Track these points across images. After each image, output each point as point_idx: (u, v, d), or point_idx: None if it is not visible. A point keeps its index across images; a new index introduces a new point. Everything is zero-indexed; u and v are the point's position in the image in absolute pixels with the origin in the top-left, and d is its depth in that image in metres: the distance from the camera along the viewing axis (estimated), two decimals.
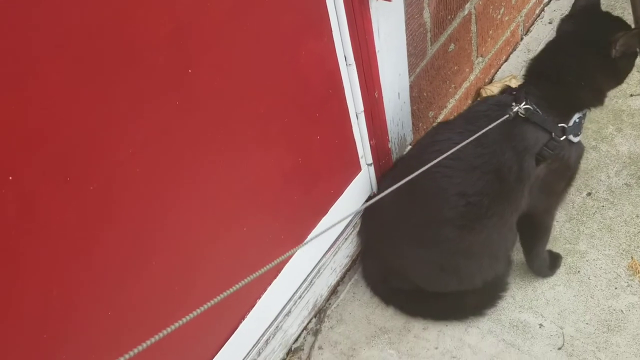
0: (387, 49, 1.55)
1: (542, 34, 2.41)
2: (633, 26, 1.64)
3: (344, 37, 1.40)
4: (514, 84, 2.15)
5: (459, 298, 1.70)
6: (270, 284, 1.53)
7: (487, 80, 2.28)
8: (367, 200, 1.77)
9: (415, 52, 1.75)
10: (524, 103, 1.44)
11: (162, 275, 1.22)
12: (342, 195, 1.66)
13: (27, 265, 0.96)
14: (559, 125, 1.45)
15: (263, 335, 1.57)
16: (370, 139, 1.65)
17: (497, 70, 2.33)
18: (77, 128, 0.95)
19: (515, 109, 1.44)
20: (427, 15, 1.73)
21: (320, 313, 1.79)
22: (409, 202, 1.57)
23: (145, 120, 1.04)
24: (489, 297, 1.71)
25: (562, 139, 1.45)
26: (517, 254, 1.77)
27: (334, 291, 1.83)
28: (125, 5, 0.94)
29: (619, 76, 1.53)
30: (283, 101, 1.34)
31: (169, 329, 0.78)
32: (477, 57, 2.13)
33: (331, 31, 1.38)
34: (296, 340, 1.74)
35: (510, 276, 1.74)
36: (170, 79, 1.06)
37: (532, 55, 1.58)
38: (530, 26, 2.45)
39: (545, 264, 1.74)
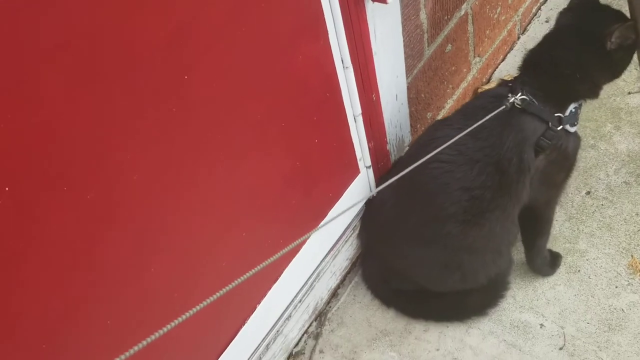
0: (384, 51, 1.54)
1: (539, 32, 2.40)
2: None
3: (341, 39, 1.40)
4: None
5: (460, 298, 1.69)
6: (270, 289, 1.53)
7: (484, 80, 2.28)
8: (366, 202, 1.77)
9: (412, 53, 1.74)
10: (519, 94, 1.45)
11: (161, 282, 1.21)
12: (341, 198, 1.65)
13: (25, 276, 0.96)
14: (556, 115, 1.46)
15: (264, 340, 1.57)
16: (368, 142, 1.65)
17: (495, 70, 2.33)
18: (73, 136, 0.94)
19: (512, 99, 1.44)
20: (423, 16, 1.73)
21: (320, 316, 1.78)
22: (410, 201, 1.57)
23: (141, 127, 1.04)
24: (490, 297, 1.71)
25: (559, 128, 1.46)
26: (518, 254, 1.77)
27: (334, 294, 1.83)
28: (119, 12, 0.94)
29: (615, 69, 1.53)
30: (280, 105, 1.33)
31: (167, 327, 0.77)
32: (474, 57, 2.13)
33: (327, 34, 1.37)
34: (297, 344, 1.73)
35: (511, 276, 1.73)
36: (166, 85, 1.05)
37: (525, 53, 1.58)
38: (527, 25, 2.45)
39: (546, 262, 1.73)
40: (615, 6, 1.53)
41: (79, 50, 0.90)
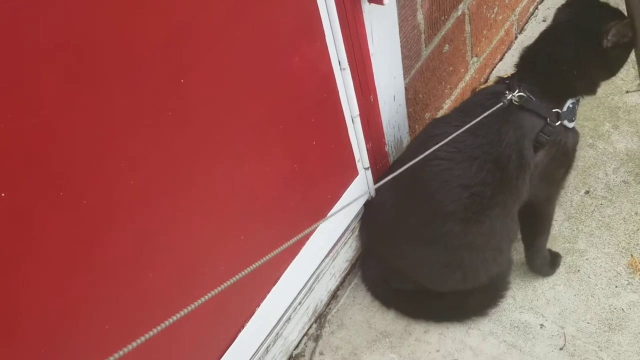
0: (381, 52, 1.54)
1: (536, 32, 2.35)
2: None
3: (338, 41, 1.40)
4: None
5: (461, 298, 1.69)
6: (269, 291, 1.52)
7: (482, 80, 2.27)
8: (366, 203, 1.77)
9: (409, 54, 1.74)
10: (517, 90, 1.45)
11: (159, 286, 1.21)
12: (340, 200, 1.65)
13: (22, 282, 0.95)
14: (553, 110, 1.46)
15: (263, 343, 1.56)
16: (366, 143, 1.65)
17: (493, 70, 2.33)
18: (68, 141, 0.94)
19: (509, 96, 1.44)
20: (420, 16, 1.72)
21: (320, 318, 1.78)
22: (410, 200, 1.56)
23: (138, 131, 1.04)
24: (490, 297, 1.70)
25: (557, 124, 1.46)
26: (517, 255, 1.76)
27: (334, 296, 1.82)
28: (116, 17, 0.93)
29: (611, 67, 1.53)
30: (278, 108, 1.33)
31: (165, 324, 0.77)
32: (472, 57, 2.12)
33: (324, 36, 1.37)
34: (297, 346, 1.73)
35: (511, 276, 1.73)
36: (162, 89, 1.05)
37: (522, 49, 1.58)
38: (525, 25, 2.45)
39: (545, 262, 1.73)
40: (612, 4, 1.53)
41: (76, 54, 0.90)
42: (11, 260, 0.92)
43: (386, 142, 1.74)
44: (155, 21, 1.00)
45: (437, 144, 1.37)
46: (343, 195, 1.66)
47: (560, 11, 1.57)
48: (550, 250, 1.75)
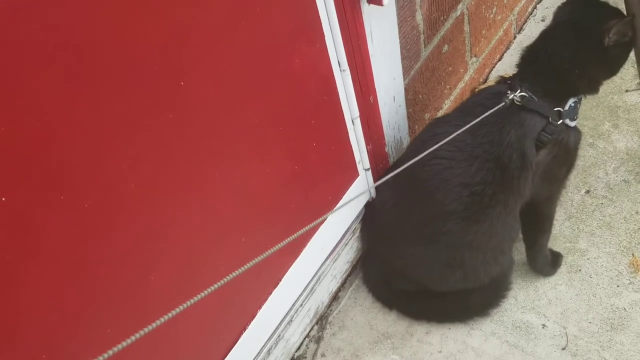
0: (380, 53, 1.54)
1: (535, 31, 2.38)
2: None
3: (337, 43, 1.39)
4: None
5: (462, 298, 1.69)
6: (271, 293, 1.52)
7: (481, 80, 2.27)
8: (366, 203, 1.76)
9: (409, 54, 1.74)
10: (519, 91, 1.44)
11: (160, 290, 1.20)
12: (340, 201, 1.64)
13: (23, 286, 0.95)
14: (555, 109, 1.46)
15: (265, 345, 1.56)
16: (366, 144, 1.64)
17: (492, 70, 2.33)
18: (68, 145, 0.93)
19: (511, 96, 1.44)
20: (419, 17, 1.72)
21: (321, 320, 1.78)
22: (410, 200, 1.56)
23: (139, 134, 1.03)
24: (492, 297, 1.70)
25: (559, 122, 1.46)
26: (518, 255, 1.76)
27: (335, 297, 1.82)
28: (115, 18, 0.93)
29: (612, 66, 1.53)
30: (278, 110, 1.33)
31: (162, 319, 0.76)
32: (471, 57, 2.12)
33: (324, 37, 1.36)
34: (298, 348, 1.73)
35: (512, 276, 1.73)
36: (162, 92, 1.05)
37: (523, 49, 1.58)
38: (523, 24, 2.45)
39: (547, 261, 1.73)
40: (611, 3, 1.53)
41: (76, 56, 0.89)
42: (13, 264, 0.91)
43: (386, 142, 1.73)
44: (155, 23, 0.99)
45: (438, 142, 1.37)
46: (343, 197, 1.65)
47: (560, 10, 1.57)
48: (551, 250, 1.75)
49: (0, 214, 0.86)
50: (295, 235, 0.95)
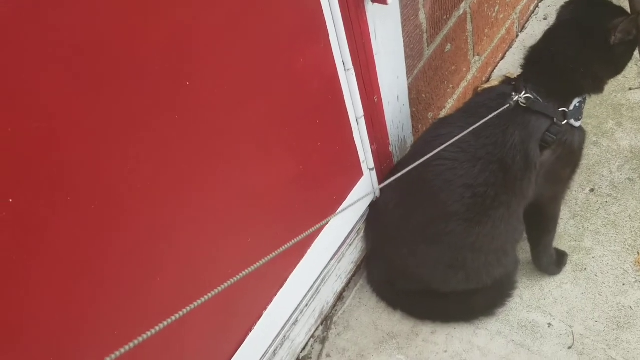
0: (384, 52, 1.54)
1: (537, 30, 2.40)
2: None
3: (342, 42, 1.39)
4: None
5: (467, 298, 1.68)
6: (276, 294, 1.51)
7: (484, 79, 2.27)
8: (370, 203, 1.76)
9: (412, 53, 1.73)
10: (523, 92, 1.44)
11: (166, 290, 1.20)
12: (345, 201, 1.64)
13: (30, 287, 0.95)
14: (560, 109, 1.45)
15: (271, 345, 1.56)
16: (371, 143, 1.64)
17: (494, 69, 2.32)
18: (75, 146, 0.93)
19: (516, 98, 1.43)
20: (422, 16, 1.72)
21: (326, 320, 1.77)
22: (413, 200, 1.56)
23: (145, 135, 1.03)
24: (498, 296, 1.70)
25: (563, 123, 1.45)
26: (523, 254, 1.76)
27: (339, 298, 1.81)
28: (119, 20, 0.92)
29: (617, 64, 1.52)
30: (283, 109, 1.32)
31: (166, 322, 0.76)
32: (473, 56, 2.12)
33: (328, 37, 1.36)
34: (304, 348, 1.72)
35: (517, 275, 1.72)
36: (168, 92, 1.04)
37: (527, 50, 1.58)
38: (525, 23, 2.44)
39: (552, 261, 1.72)
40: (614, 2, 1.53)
41: (82, 59, 0.89)
42: (20, 265, 0.91)
43: (390, 142, 1.73)
44: (159, 22, 0.99)
45: (441, 143, 1.37)
46: (348, 197, 1.65)
47: (563, 10, 1.56)
48: (556, 249, 1.75)
49: (8, 215, 0.86)
50: (301, 236, 0.95)
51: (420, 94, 1.88)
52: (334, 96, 1.46)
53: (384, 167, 1.76)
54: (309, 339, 1.73)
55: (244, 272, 0.86)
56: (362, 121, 1.57)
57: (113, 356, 0.72)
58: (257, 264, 0.87)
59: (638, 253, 1.73)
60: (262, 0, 1.16)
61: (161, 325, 0.76)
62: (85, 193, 0.96)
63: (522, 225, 1.60)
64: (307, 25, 1.30)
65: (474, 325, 1.70)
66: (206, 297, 0.81)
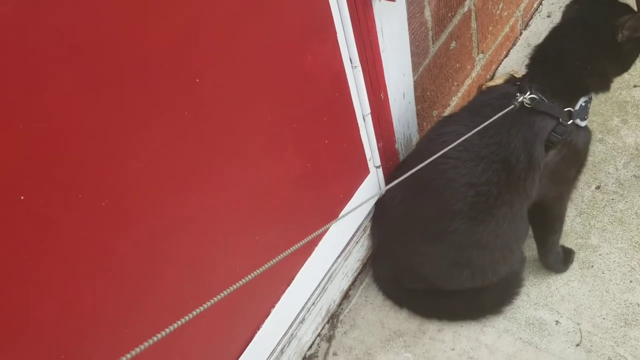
0: (391, 49, 1.53)
1: (541, 27, 2.39)
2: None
3: (349, 39, 1.38)
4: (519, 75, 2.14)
5: (474, 296, 1.68)
6: (284, 292, 1.51)
7: (488, 77, 2.27)
8: (377, 201, 1.75)
9: (417, 51, 1.73)
10: (528, 93, 1.43)
11: (175, 288, 1.19)
12: (352, 199, 1.64)
13: (41, 285, 0.94)
14: (566, 109, 1.44)
15: (279, 344, 1.55)
16: (377, 141, 1.63)
17: (498, 66, 2.32)
18: (85, 144, 0.93)
19: (520, 99, 1.43)
20: (428, 13, 1.71)
21: (333, 319, 1.77)
22: (418, 198, 1.56)
23: (155, 132, 1.02)
24: (504, 294, 1.69)
25: (569, 123, 1.45)
26: (529, 251, 1.75)
27: (345, 296, 1.81)
28: (129, 18, 0.92)
29: (625, 62, 1.52)
30: (291, 106, 1.32)
31: (179, 322, 0.75)
32: (478, 53, 2.12)
33: (336, 34, 1.36)
34: (310, 347, 1.72)
35: (524, 273, 1.72)
36: (178, 89, 1.04)
37: (531, 49, 1.57)
38: (529, 20, 2.44)
39: (559, 259, 1.72)
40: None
41: (93, 57, 0.89)
42: (31, 262, 0.90)
43: (396, 140, 1.73)
44: (169, 21, 0.98)
45: (446, 142, 1.37)
46: (355, 194, 1.64)
47: (568, 9, 1.56)
48: (563, 247, 1.74)
49: (19, 212, 0.85)
50: (310, 237, 0.95)
51: (425, 91, 1.87)
52: (341, 93, 1.45)
53: (390, 164, 1.75)
54: (316, 338, 1.73)
55: (252, 274, 0.86)
56: (369, 118, 1.56)
57: (129, 356, 0.71)
58: (266, 265, 0.87)
59: None
60: None
61: (172, 328, 0.75)
62: (97, 190, 0.96)
63: (525, 224, 1.59)
64: (315, 22, 1.30)
65: (481, 323, 1.69)
66: (216, 298, 0.81)
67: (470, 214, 1.48)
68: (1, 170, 0.82)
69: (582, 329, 1.63)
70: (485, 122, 1.38)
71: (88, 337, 1.05)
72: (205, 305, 0.81)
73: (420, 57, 1.77)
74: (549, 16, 2.42)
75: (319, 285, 1.65)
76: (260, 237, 1.35)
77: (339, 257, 1.70)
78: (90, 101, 0.91)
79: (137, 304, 1.12)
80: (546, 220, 1.65)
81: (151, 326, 1.16)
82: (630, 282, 1.68)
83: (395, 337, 1.72)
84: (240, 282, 0.85)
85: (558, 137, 1.44)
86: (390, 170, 1.76)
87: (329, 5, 1.30)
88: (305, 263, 1.55)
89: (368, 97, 1.52)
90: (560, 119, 1.44)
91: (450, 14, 1.84)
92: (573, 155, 1.51)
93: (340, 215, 1.55)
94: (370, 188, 1.70)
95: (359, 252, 1.79)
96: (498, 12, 2.15)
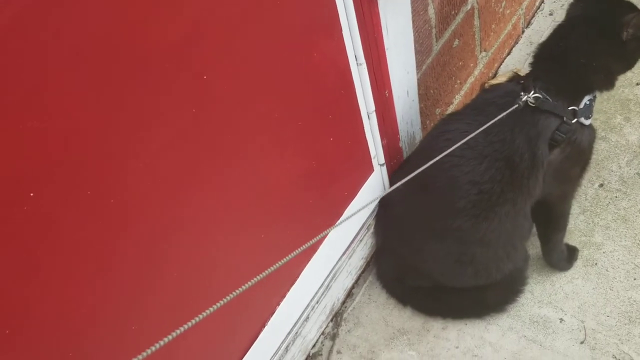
0: (395, 47, 1.53)
1: (543, 25, 2.39)
2: None
3: (354, 36, 1.38)
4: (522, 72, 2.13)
5: (478, 294, 1.68)
6: (289, 290, 1.51)
7: (491, 75, 2.26)
8: (380, 200, 1.75)
9: (421, 49, 1.73)
10: (532, 92, 1.43)
11: (182, 286, 1.19)
12: (356, 197, 1.64)
13: (50, 282, 0.94)
14: (570, 108, 1.44)
15: (283, 342, 1.55)
16: (381, 139, 1.63)
17: (501, 65, 2.32)
18: (94, 142, 0.92)
19: (525, 98, 1.43)
20: (431, 11, 1.71)
21: (336, 317, 1.76)
22: (421, 196, 1.55)
23: (164, 130, 1.02)
24: (508, 292, 1.69)
25: (573, 121, 1.45)
26: (533, 249, 1.75)
27: (349, 294, 1.81)
28: (136, 15, 0.91)
29: (630, 60, 1.52)
30: (297, 104, 1.32)
31: (186, 325, 0.75)
32: (480, 51, 2.11)
33: (341, 31, 1.35)
34: (314, 345, 1.71)
35: (528, 271, 1.72)
36: (187, 86, 1.03)
37: (534, 47, 1.57)
38: (531, 18, 2.44)
39: (563, 257, 1.72)
40: None
41: (100, 56, 0.88)
42: (40, 259, 0.90)
43: (400, 137, 1.72)
44: (177, 17, 0.98)
45: (449, 139, 1.37)
46: (359, 192, 1.64)
47: (572, 7, 1.56)
48: (567, 245, 1.74)
49: (28, 208, 0.85)
50: (314, 240, 0.95)
51: (429, 89, 1.87)
52: (347, 91, 1.45)
53: (394, 162, 1.75)
54: (320, 336, 1.72)
55: (258, 277, 0.87)
56: (374, 116, 1.56)
57: (140, 357, 0.71)
58: (272, 267, 0.87)
59: None
60: None
61: (178, 331, 0.75)
62: (105, 188, 0.95)
63: (529, 222, 1.59)
64: (321, 19, 1.29)
65: (485, 321, 1.69)
66: (223, 301, 0.81)
67: (473, 211, 1.48)
68: (15, 166, 0.82)
69: (586, 327, 1.63)
70: (489, 120, 1.38)
71: (88, 337, 1.05)
72: (211, 309, 0.81)
73: (424, 54, 1.76)
74: (551, 14, 2.42)
75: (323, 283, 1.65)
76: (265, 235, 1.35)
77: (343, 255, 1.70)
78: (99, 100, 0.91)
79: (141, 304, 1.12)
80: (550, 218, 1.65)
81: (156, 326, 1.16)
82: (634, 279, 1.68)
83: (399, 335, 1.72)
84: (247, 284, 0.85)
85: (562, 136, 1.44)
86: (394, 168, 1.76)
87: (335, 2, 1.30)
88: (310, 261, 1.55)
89: (373, 94, 1.52)
90: (565, 118, 1.44)
91: (453, 12, 1.84)
92: (577, 154, 1.51)
93: (339, 221, 1.55)
94: (375, 186, 1.70)
95: (363, 250, 1.79)
96: (501, 10, 2.15)
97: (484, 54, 2.14)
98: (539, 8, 2.47)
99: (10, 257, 0.86)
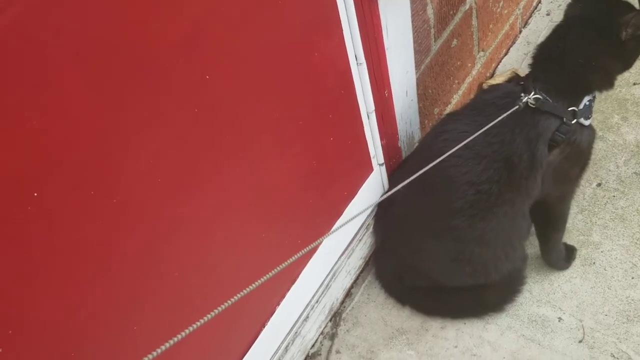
0: (395, 47, 1.53)
1: (540, 26, 2.40)
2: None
3: (354, 35, 1.39)
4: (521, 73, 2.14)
5: (477, 294, 1.68)
6: (288, 290, 1.51)
7: (488, 75, 2.27)
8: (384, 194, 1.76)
9: (420, 49, 1.73)
10: (532, 93, 1.43)
11: (183, 286, 1.19)
12: (356, 196, 1.64)
13: (52, 281, 0.93)
14: (570, 109, 1.45)
15: (283, 342, 1.55)
16: (381, 138, 1.64)
17: (498, 64, 2.32)
18: (97, 141, 0.92)
19: (525, 99, 1.43)
20: (430, 11, 1.71)
21: (335, 317, 1.76)
22: (420, 196, 1.56)
23: (165, 130, 1.02)
24: (507, 292, 1.69)
25: (573, 122, 1.45)
26: (532, 249, 1.76)
27: (348, 294, 1.81)
28: (136, 15, 0.91)
29: (628, 59, 1.52)
30: (297, 104, 1.32)
31: (188, 330, 0.75)
32: (478, 51, 2.12)
33: (342, 30, 1.36)
34: (313, 345, 1.71)
35: (526, 270, 1.72)
36: (189, 86, 1.03)
37: (531, 47, 1.57)
38: (529, 18, 2.45)
39: (561, 256, 1.72)
40: None
41: (101, 56, 0.88)
42: (43, 258, 0.90)
43: (399, 137, 1.73)
44: (178, 17, 0.98)
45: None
46: (359, 192, 1.65)
47: (570, 7, 1.56)
48: (565, 244, 1.75)
49: (32, 208, 0.85)
50: (314, 244, 0.95)
51: (427, 89, 1.88)
52: (347, 90, 1.45)
53: (393, 162, 1.75)
54: (319, 336, 1.72)
55: (259, 281, 0.87)
56: (373, 116, 1.56)
57: (150, 356, 0.71)
58: (273, 271, 0.88)
59: None
60: None
61: (180, 336, 0.75)
62: (108, 187, 0.95)
63: (527, 222, 1.60)
64: (322, 19, 1.30)
65: (484, 321, 1.70)
66: (223, 306, 0.81)
67: (470, 212, 1.48)
68: (18, 166, 0.82)
69: (584, 326, 1.63)
70: (488, 121, 1.38)
71: (91, 337, 1.04)
72: (212, 314, 0.81)
73: (423, 54, 1.77)
74: (548, 14, 2.43)
75: (322, 283, 1.65)
76: (266, 234, 1.35)
77: (342, 255, 1.70)
78: (102, 100, 0.91)
79: (142, 303, 1.12)
80: (549, 218, 1.66)
81: (157, 326, 1.16)
82: (632, 278, 1.69)
83: (398, 334, 1.72)
84: (247, 289, 0.86)
85: (562, 137, 1.44)
86: (393, 167, 1.77)
87: (336, 2, 1.30)
88: (309, 261, 1.55)
89: (372, 94, 1.52)
90: (565, 119, 1.44)
91: (452, 12, 1.85)
92: (577, 154, 1.51)
93: (335, 228, 1.55)
94: (374, 185, 1.70)
95: (362, 249, 1.79)
96: (498, 10, 2.15)
97: (481, 53, 2.15)
98: (536, 8, 2.47)
99: (14, 257, 0.86)
